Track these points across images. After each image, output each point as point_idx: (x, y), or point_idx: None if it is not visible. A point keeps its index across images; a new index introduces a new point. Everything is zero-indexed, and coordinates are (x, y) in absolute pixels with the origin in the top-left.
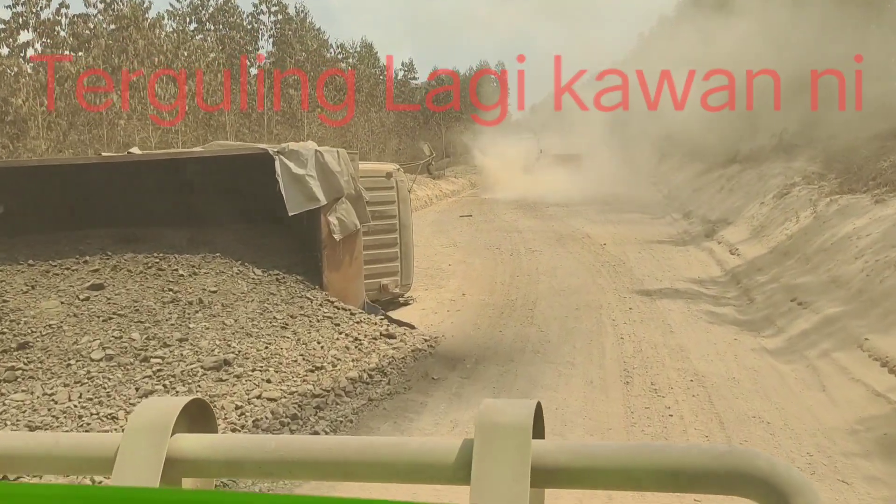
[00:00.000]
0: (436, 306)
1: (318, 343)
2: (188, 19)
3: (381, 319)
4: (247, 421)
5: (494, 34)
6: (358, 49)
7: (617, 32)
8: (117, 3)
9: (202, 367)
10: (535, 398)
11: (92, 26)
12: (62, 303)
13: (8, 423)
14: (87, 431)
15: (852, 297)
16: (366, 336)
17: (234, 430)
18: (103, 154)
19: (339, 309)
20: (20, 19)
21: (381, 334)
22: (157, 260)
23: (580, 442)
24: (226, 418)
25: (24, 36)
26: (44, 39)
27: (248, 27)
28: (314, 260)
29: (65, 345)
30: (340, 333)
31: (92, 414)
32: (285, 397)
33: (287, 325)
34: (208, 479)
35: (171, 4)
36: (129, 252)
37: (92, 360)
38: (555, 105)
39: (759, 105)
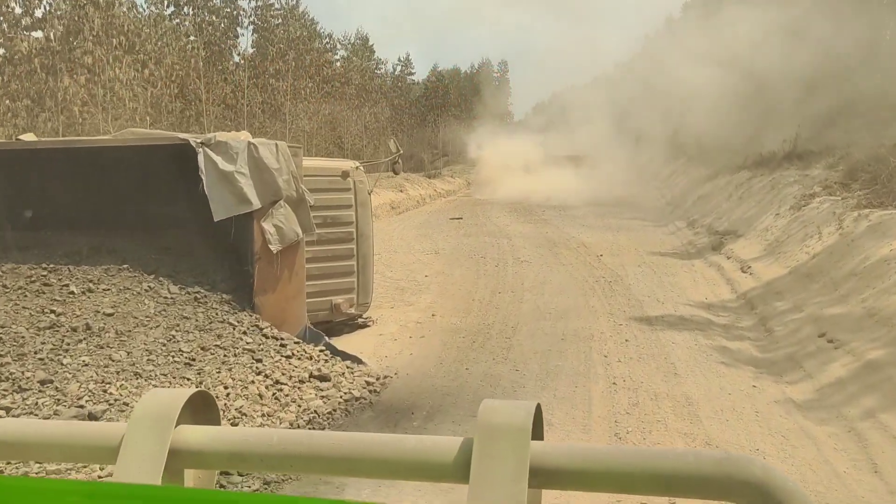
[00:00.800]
0: (398, 331)
1: (225, 388)
2: (165, 2)
3: (322, 351)
4: None
5: (498, 32)
6: (352, 41)
7: (623, 33)
8: None
9: None
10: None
11: (47, 5)
12: None
13: None
14: None
15: None
16: (291, 378)
17: None
18: None
19: (267, 338)
20: None
21: (311, 375)
22: (45, 273)
23: (579, 444)
24: None
25: None
26: None
27: (228, 12)
28: (246, 275)
29: None
30: (259, 374)
31: None
32: None
33: (193, 361)
34: (211, 470)
35: None
36: (11, 262)
37: None
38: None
39: (769, 108)
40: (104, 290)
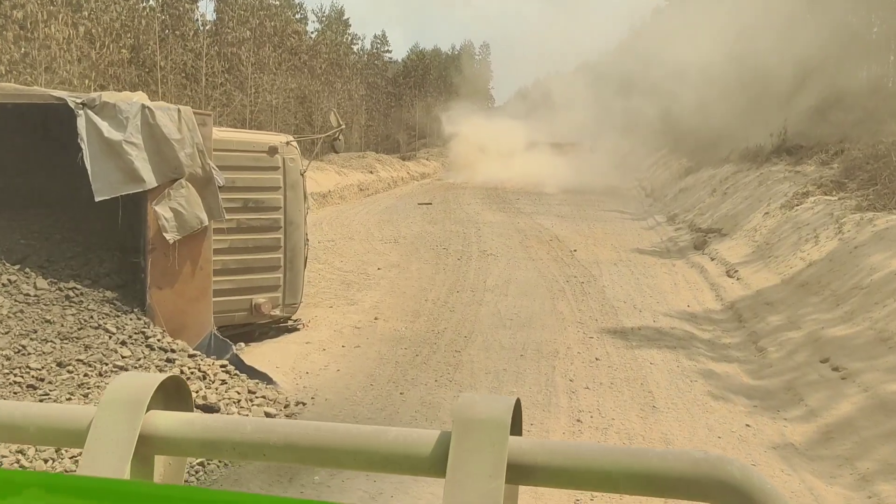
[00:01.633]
0: (329, 338)
1: None
2: None
3: (224, 367)
4: None
5: (481, 17)
6: (327, 13)
7: (608, 22)
8: None
9: None
10: None
11: None
12: None
13: None
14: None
15: None
16: None
17: None
18: None
19: (152, 350)
20: None
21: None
22: None
23: (558, 441)
24: None
25: None
26: None
27: None
28: (137, 270)
29: None
30: None
31: None
32: None
33: (40, 382)
34: (181, 457)
35: None
36: None
37: None
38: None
39: (756, 100)
40: None
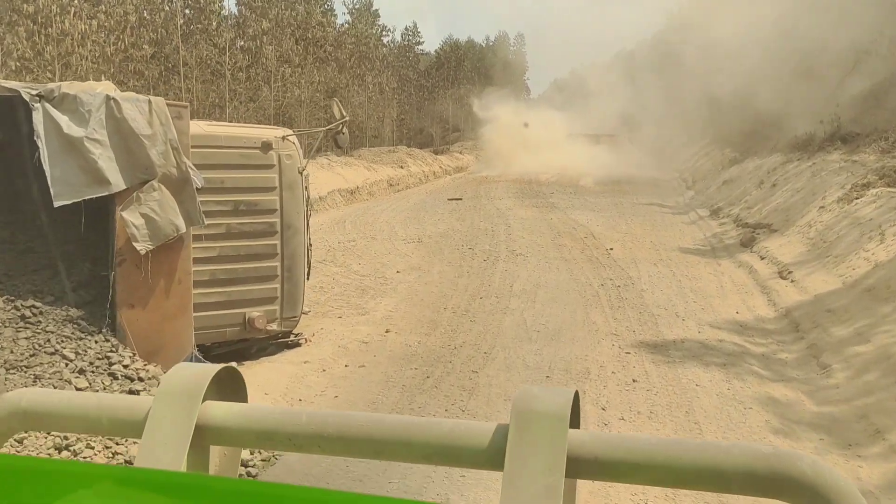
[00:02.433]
0: (333, 355)
1: None
2: None
3: None
4: None
5: (516, 8)
6: (355, 5)
7: (646, 8)
8: None
9: None
10: None
11: None
12: None
13: None
14: None
15: None
16: (116, 456)
17: None
18: None
19: (115, 379)
20: None
21: None
22: None
23: (618, 434)
24: None
25: None
26: None
27: None
28: (105, 284)
29: None
30: (65, 451)
31: None
32: None
33: None
34: (237, 448)
35: None
36: None
37: None
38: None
39: (804, 86)
40: None
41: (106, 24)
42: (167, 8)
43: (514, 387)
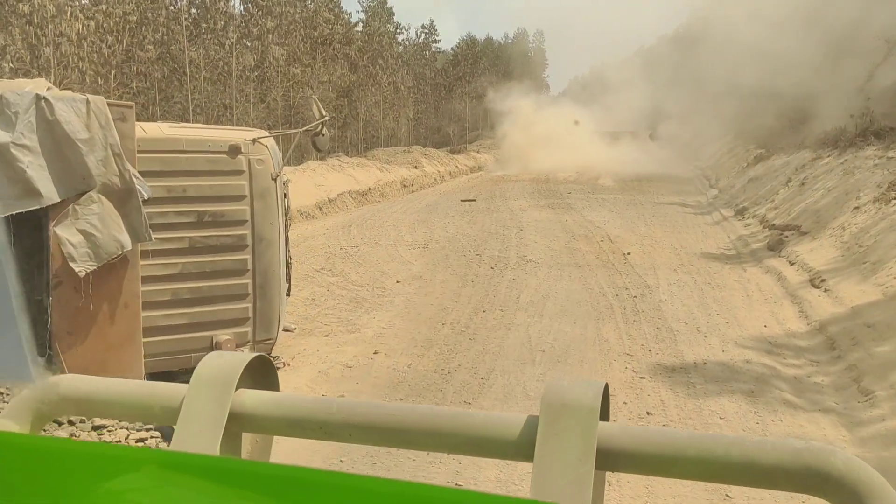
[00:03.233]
0: (311, 382)
1: None
2: None
3: (142, 442)
4: None
5: (535, 6)
6: (370, 3)
7: (666, 4)
8: None
9: None
10: None
11: None
12: None
13: None
14: None
15: None
16: None
17: None
18: None
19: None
20: None
21: None
22: None
23: (648, 427)
24: None
25: None
26: None
27: None
28: (40, 311)
29: None
30: None
31: None
32: None
33: None
34: (269, 435)
35: None
36: None
37: None
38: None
39: (829, 78)
40: None
41: (105, 24)
42: (172, 7)
43: None
